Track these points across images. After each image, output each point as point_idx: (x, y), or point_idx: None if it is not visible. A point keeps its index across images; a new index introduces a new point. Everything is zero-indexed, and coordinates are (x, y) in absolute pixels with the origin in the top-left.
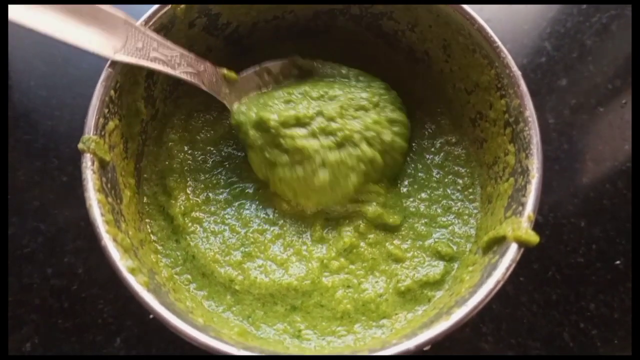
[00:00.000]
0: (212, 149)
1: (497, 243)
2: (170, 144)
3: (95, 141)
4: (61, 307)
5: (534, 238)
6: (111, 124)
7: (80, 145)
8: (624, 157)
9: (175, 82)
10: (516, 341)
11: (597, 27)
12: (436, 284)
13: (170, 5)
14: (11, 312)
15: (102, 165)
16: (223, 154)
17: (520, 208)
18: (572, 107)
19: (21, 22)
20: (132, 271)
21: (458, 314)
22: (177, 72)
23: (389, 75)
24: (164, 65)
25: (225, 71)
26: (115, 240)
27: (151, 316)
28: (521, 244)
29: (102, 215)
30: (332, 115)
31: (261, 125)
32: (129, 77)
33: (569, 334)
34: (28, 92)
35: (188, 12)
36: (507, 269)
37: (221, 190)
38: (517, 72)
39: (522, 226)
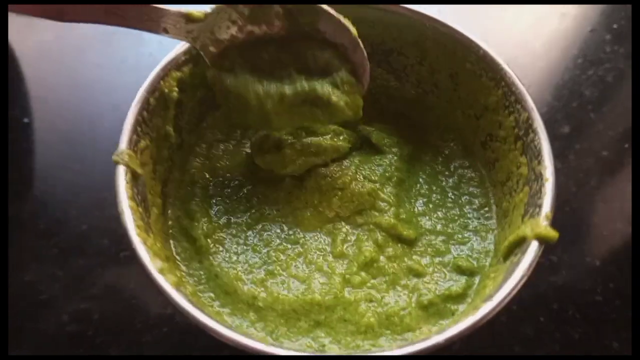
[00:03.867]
0: (230, 175)
1: (518, 246)
2: (192, 170)
3: (128, 154)
4: (76, 352)
5: (553, 233)
6: (143, 143)
7: (114, 157)
8: (629, 196)
9: (201, 115)
10: None
11: (593, 79)
12: (459, 297)
13: None
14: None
15: (134, 178)
16: (241, 179)
17: (537, 209)
18: (577, 152)
19: None
20: (162, 271)
21: (485, 309)
22: (131, 24)
23: (399, 108)
24: (118, 18)
25: (185, 11)
26: (145, 244)
27: None
28: (541, 240)
29: (134, 220)
30: None
31: None
32: (161, 101)
33: None
34: (51, 147)
35: None
36: (530, 264)
37: (241, 214)
38: (523, 88)
39: (540, 224)
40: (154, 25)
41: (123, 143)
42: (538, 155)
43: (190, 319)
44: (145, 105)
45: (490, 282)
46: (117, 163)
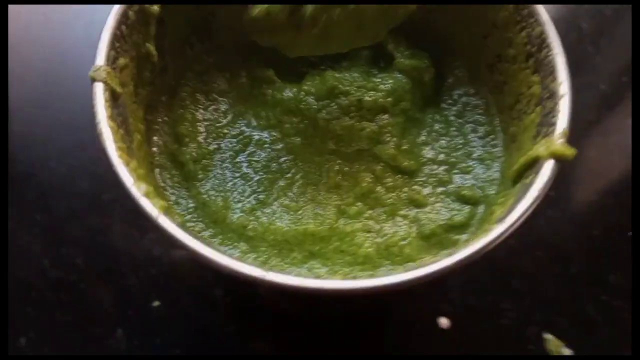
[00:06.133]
0: (224, 99)
1: (530, 167)
2: (183, 94)
3: (106, 70)
4: (59, 299)
5: (570, 151)
6: (122, 60)
7: (91, 74)
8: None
9: (186, 37)
10: (541, 317)
11: (591, 12)
12: (462, 227)
13: None
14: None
15: (114, 98)
16: (235, 104)
17: (552, 128)
18: (575, 86)
19: None
20: (147, 195)
21: (497, 231)
22: None
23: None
24: None
25: None
26: (127, 166)
27: (155, 304)
28: (557, 158)
29: (115, 142)
30: None
31: None
32: (140, 16)
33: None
34: (28, 85)
35: None
36: (546, 183)
37: (232, 139)
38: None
39: (556, 142)
40: None
41: (100, 59)
42: (552, 71)
43: (180, 246)
44: (123, 19)
45: (499, 208)
46: (93, 80)
